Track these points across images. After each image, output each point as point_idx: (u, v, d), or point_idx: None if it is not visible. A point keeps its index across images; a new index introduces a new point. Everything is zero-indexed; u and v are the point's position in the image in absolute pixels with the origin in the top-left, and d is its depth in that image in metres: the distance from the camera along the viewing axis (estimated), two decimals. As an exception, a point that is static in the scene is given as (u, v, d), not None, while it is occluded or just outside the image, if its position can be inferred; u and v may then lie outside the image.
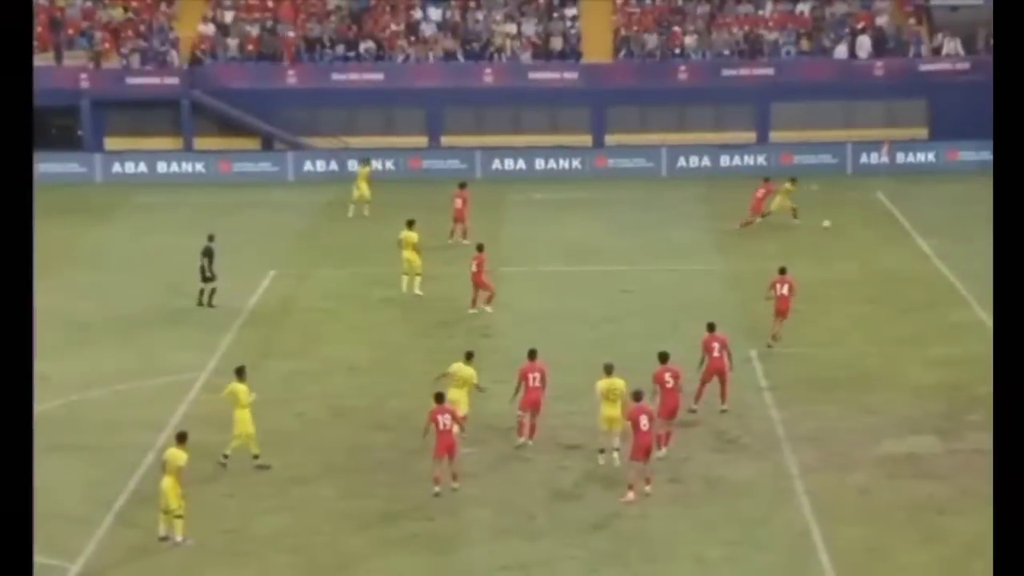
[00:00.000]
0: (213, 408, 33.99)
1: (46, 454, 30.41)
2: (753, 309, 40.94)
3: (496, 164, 62.48)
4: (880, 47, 65.65)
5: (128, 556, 26.48)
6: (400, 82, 65.04)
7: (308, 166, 62.74)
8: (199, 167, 62.70)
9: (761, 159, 62.51)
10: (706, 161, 62.51)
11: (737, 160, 62.61)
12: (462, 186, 51.02)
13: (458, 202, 50.06)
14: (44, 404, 33.43)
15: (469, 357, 31.58)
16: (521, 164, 62.61)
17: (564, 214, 54.86)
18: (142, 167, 62.42)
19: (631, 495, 28.25)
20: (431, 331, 40.14)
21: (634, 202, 56.60)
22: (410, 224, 44.18)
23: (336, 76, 65.39)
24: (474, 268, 41.62)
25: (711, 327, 33.29)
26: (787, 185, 52.31)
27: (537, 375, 30.67)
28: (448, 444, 28.38)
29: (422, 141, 64.87)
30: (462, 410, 30.13)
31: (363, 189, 54.38)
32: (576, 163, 62.79)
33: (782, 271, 37.89)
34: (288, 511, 28.29)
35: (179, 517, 26.58)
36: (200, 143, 64.50)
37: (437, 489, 28.51)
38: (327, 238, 51.86)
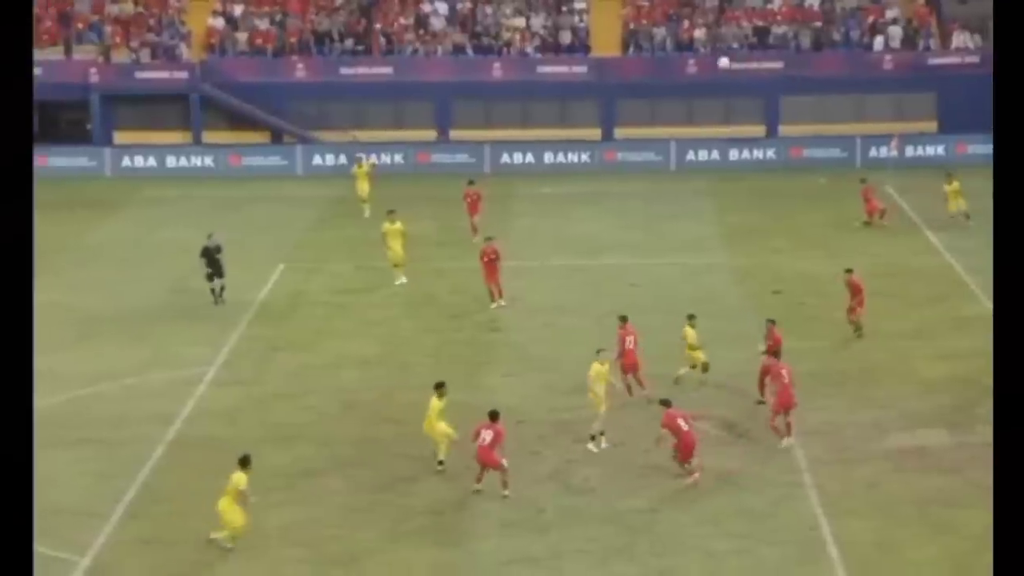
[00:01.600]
0: (220, 402, 34.16)
1: (55, 448, 30.54)
2: (762, 303, 40.92)
3: (505, 158, 62.46)
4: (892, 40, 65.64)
5: (137, 549, 26.53)
6: (409, 76, 65.03)
7: (317, 160, 62.75)
8: (208, 161, 62.74)
9: (770, 153, 62.54)
10: (715, 155, 62.42)
11: (746, 154, 62.53)
12: (470, 183, 50.84)
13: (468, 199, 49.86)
14: (53, 398, 33.53)
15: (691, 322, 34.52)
16: (530, 158, 62.56)
17: (573, 208, 54.82)
18: (151, 161, 62.48)
19: (697, 476, 28.90)
20: (440, 325, 40.15)
21: (642, 196, 56.57)
22: (390, 214, 44.41)
23: (345, 70, 65.39)
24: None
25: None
26: (950, 185, 50.50)
27: (631, 338, 33.24)
28: (487, 458, 28.23)
29: (431, 135, 64.87)
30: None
31: (364, 188, 53.85)
32: (585, 157, 62.73)
33: (848, 272, 38.65)
34: (297, 504, 28.31)
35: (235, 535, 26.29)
36: (209, 137, 64.54)
37: (478, 486, 28.48)
38: (336, 232, 51.84)
